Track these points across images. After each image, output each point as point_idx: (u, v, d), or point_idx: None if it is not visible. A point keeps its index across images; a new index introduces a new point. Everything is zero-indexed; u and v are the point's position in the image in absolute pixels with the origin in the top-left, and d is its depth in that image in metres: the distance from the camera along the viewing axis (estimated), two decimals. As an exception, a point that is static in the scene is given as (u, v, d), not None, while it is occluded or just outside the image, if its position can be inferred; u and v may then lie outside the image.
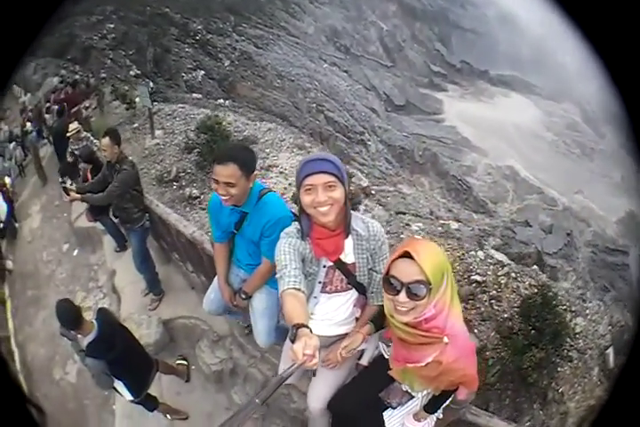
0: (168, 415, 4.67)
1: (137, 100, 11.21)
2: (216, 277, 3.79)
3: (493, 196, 21.71)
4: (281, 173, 8.13)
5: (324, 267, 2.45)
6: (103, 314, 4.08)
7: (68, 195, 5.39)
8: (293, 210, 2.76)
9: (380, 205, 8.68)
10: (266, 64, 22.85)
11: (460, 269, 5.40)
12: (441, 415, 2.52)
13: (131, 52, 19.56)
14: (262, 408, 4.30)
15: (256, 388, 4.45)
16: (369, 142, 22.77)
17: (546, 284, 5.07)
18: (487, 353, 4.45)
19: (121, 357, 3.84)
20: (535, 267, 5.53)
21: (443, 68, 31.67)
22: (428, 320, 1.97)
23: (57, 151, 9.67)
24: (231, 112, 14.74)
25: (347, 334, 2.61)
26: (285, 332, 2.42)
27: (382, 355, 2.61)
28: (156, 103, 11.47)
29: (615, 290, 13.53)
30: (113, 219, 6.35)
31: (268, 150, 8.77)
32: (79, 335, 3.78)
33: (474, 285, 5.15)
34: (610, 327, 5.16)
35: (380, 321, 2.42)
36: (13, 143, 16.29)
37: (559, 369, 4.53)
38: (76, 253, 8.06)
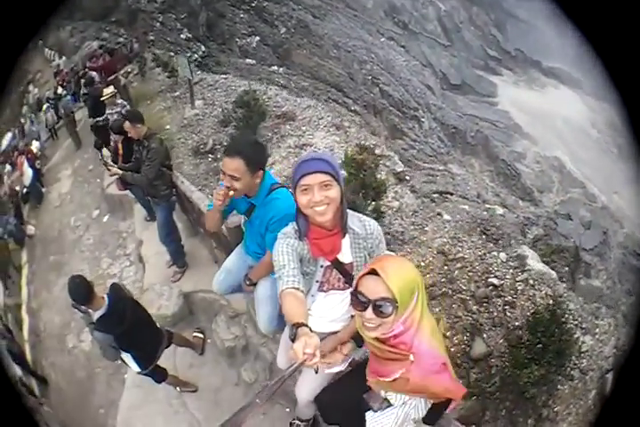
0: (177, 388, 4.81)
1: (178, 69, 11.12)
2: (226, 260, 3.89)
3: (540, 185, 21.23)
4: (314, 152, 8.02)
5: (322, 267, 2.45)
6: (115, 289, 4.18)
7: (109, 169, 5.48)
8: None
9: (414, 191, 8.45)
10: (323, 34, 22.53)
11: (479, 269, 5.26)
12: None
13: (182, 16, 19.46)
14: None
15: (264, 366, 4.53)
16: (422, 119, 22.35)
17: (562, 295, 4.89)
18: (492, 360, 4.37)
19: (129, 331, 3.94)
20: (555, 275, 5.29)
21: (498, 52, 30.85)
22: (397, 336, 1.97)
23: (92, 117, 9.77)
24: (275, 85, 14.58)
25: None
26: None
27: None
28: (198, 72, 11.48)
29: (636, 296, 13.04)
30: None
31: (304, 128, 8.64)
32: (90, 310, 3.89)
33: (490, 288, 5.01)
34: (614, 350, 4.97)
35: (361, 338, 2.36)
36: (45, 106, 16.28)
37: (559, 387, 4.40)
38: (106, 219, 8.19)
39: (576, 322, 4.84)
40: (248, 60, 20.41)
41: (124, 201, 7.66)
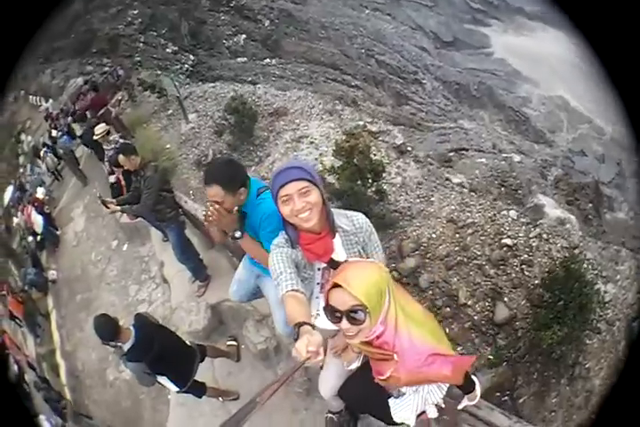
0: (220, 398, 4.85)
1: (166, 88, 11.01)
2: (236, 272, 3.94)
3: (550, 126, 20.91)
4: (311, 142, 7.90)
5: (319, 269, 2.42)
6: (139, 319, 4.21)
7: (108, 207, 5.50)
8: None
9: (417, 161, 8.24)
10: (307, 18, 22.50)
11: (490, 231, 5.09)
12: (436, 414, 2.46)
13: (163, 31, 19.37)
14: (306, 383, 4.41)
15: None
16: (424, 81, 22.30)
17: (578, 245, 4.68)
18: (517, 323, 4.23)
19: (160, 356, 3.97)
20: (568, 226, 5.07)
21: (481, 4, 30.25)
22: (379, 337, 1.95)
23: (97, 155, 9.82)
24: (265, 82, 14.45)
25: None
26: None
27: None
28: (187, 86, 11.39)
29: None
30: None
31: (297, 121, 8.50)
32: (119, 343, 3.95)
33: (504, 249, 4.85)
34: (639, 296, 4.73)
35: None
36: (42, 151, 16.17)
37: (587, 342, 4.24)
38: (125, 247, 8.22)
39: (596, 271, 4.64)
40: (239, 59, 20.35)
41: (139, 226, 7.63)
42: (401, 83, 21.49)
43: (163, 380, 4.13)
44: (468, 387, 2.43)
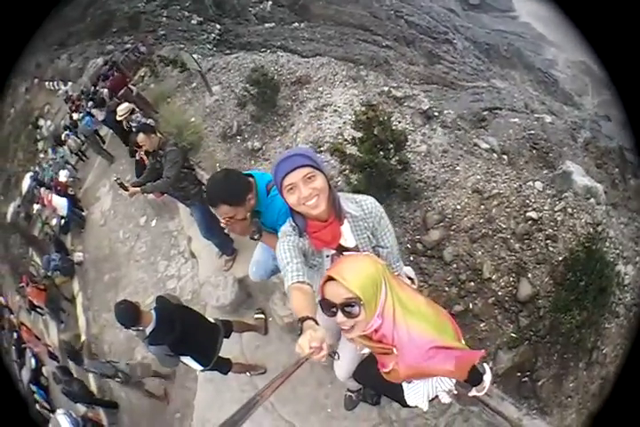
0: (247, 373, 4.89)
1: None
2: (254, 253, 3.98)
3: (577, 88, 20.80)
4: (335, 111, 7.62)
5: (328, 256, 2.40)
6: (160, 302, 4.22)
7: (127, 190, 5.46)
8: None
9: (445, 127, 7.87)
10: None
11: (516, 203, 4.81)
12: (449, 400, 2.53)
13: (187, 4, 18.98)
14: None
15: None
16: (454, 40, 21.95)
17: (601, 222, 4.37)
18: (539, 301, 4.03)
19: (182, 337, 3.99)
20: (592, 200, 4.74)
21: None
22: (378, 330, 1.96)
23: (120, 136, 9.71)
24: (291, 48, 14.03)
25: None
26: None
27: None
28: (209, 58, 11.11)
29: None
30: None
31: (320, 88, 8.19)
32: (140, 328, 3.97)
33: (529, 222, 4.58)
34: None
35: None
36: (64, 134, 16.06)
37: (606, 326, 4.01)
38: (154, 223, 8.25)
39: (617, 251, 4.34)
40: (267, 25, 20.01)
41: (166, 201, 7.63)
42: (432, 42, 21.09)
43: (186, 360, 4.17)
44: (474, 380, 2.38)
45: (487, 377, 2.49)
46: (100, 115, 11.35)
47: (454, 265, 4.74)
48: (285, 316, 5.00)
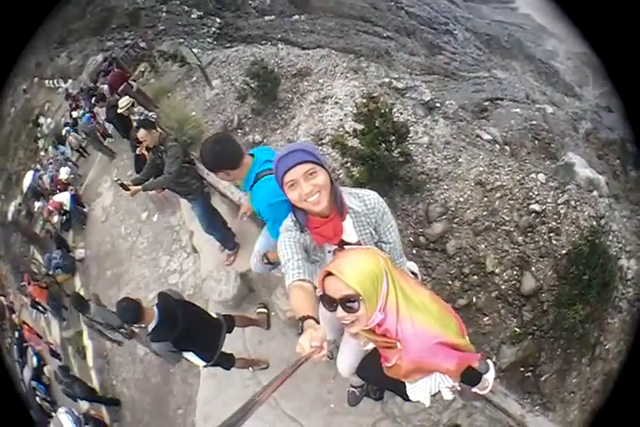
0: (250, 368, 4.84)
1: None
2: (255, 244, 4.11)
3: (578, 80, 20.49)
4: (336, 103, 7.51)
5: (329, 252, 2.35)
6: (162, 298, 4.16)
7: (128, 190, 5.40)
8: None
9: (447, 118, 7.77)
10: None
11: (519, 196, 4.73)
12: (451, 396, 2.48)
13: (186, -1, 18.81)
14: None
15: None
16: (455, 31, 21.84)
17: (604, 215, 4.29)
18: (543, 295, 3.96)
19: (184, 333, 3.93)
20: (595, 193, 4.66)
21: None
22: (381, 325, 1.94)
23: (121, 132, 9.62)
24: (292, 40, 13.89)
25: None
26: None
27: None
28: (209, 52, 10.98)
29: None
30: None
31: (321, 80, 8.07)
32: (143, 324, 3.91)
33: (533, 215, 4.50)
34: None
35: None
36: (64, 130, 15.95)
37: (609, 321, 3.94)
38: (155, 218, 8.17)
39: (620, 245, 4.26)
40: (267, 17, 19.88)
41: (168, 196, 7.53)
42: (433, 33, 21.03)
43: (189, 356, 4.11)
44: (470, 381, 2.37)
45: (490, 375, 2.43)
46: (100, 111, 11.21)
47: (457, 258, 4.67)
48: (288, 310, 4.94)
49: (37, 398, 9.18)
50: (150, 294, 6.53)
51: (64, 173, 14.13)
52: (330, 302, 1.92)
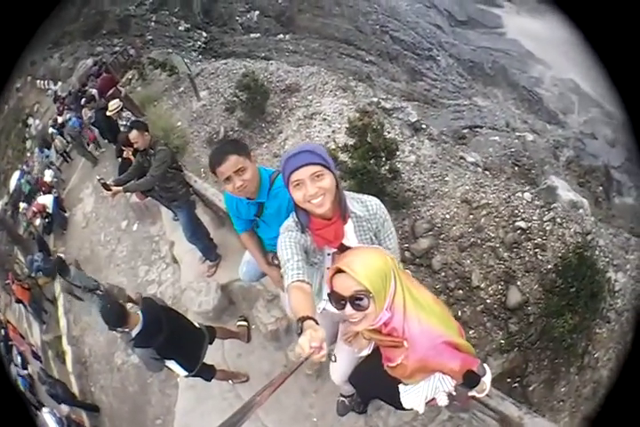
0: (230, 381, 4.78)
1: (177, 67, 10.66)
2: (245, 254, 3.91)
3: (562, 107, 20.51)
4: (324, 119, 7.66)
5: (329, 255, 2.34)
6: (148, 303, 4.10)
7: (109, 190, 5.34)
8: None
9: (432, 139, 8.00)
10: None
11: (505, 213, 4.89)
12: (446, 402, 2.43)
13: (176, 10, 19.07)
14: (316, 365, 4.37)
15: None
16: (438, 57, 22.01)
17: (591, 231, 4.49)
18: (529, 308, 4.09)
19: (168, 340, 3.86)
20: (581, 211, 4.87)
21: None
22: (387, 324, 1.94)
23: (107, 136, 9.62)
24: (278, 59, 14.16)
25: None
26: None
27: None
28: (198, 63, 11.12)
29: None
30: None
31: (310, 97, 8.24)
32: (126, 329, 3.85)
33: (518, 232, 4.66)
34: None
35: None
36: (50, 131, 15.93)
37: (597, 331, 4.10)
38: (135, 227, 8.07)
39: (607, 259, 4.46)
40: (252, 35, 20.19)
41: (149, 205, 7.46)
42: (415, 59, 21.24)
43: (171, 364, 4.04)
44: (471, 383, 2.31)
45: (487, 378, 2.49)
46: (89, 113, 11.12)
47: (443, 273, 4.78)
48: (269, 323, 4.91)
49: (24, 396, 8.93)
50: (127, 304, 6.44)
51: (48, 176, 14.10)
52: (338, 300, 1.91)
